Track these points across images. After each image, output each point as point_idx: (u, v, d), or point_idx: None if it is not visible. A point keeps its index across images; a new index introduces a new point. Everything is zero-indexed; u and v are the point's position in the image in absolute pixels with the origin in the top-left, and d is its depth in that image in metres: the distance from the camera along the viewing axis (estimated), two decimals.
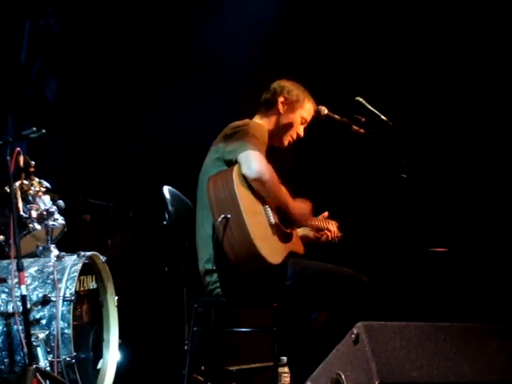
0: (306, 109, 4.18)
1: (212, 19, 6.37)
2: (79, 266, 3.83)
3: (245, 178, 3.73)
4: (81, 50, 6.37)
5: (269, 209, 3.81)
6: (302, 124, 4.21)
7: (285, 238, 3.89)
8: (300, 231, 4.19)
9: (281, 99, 4.16)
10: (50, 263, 3.84)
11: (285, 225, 3.91)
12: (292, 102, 4.16)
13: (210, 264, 3.85)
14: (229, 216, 3.63)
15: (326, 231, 4.29)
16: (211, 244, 3.84)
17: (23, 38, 6.19)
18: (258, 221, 3.72)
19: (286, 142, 4.20)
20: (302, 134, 4.22)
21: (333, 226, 4.37)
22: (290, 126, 4.17)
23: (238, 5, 6.34)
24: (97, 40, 6.37)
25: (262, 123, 4.12)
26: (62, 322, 3.66)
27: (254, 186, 3.75)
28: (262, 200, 3.81)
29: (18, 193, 3.82)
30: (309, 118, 4.22)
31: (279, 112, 4.16)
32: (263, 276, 3.73)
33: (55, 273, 3.76)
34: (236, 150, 3.79)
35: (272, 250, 3.70)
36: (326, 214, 4.31)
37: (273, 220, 3.80)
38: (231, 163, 3.80)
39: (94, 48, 6.37)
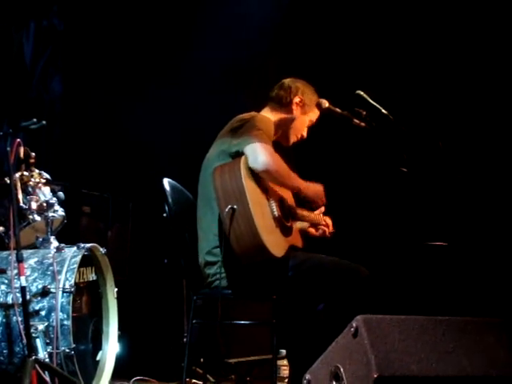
0: (315, 112, 4.20)
1: (213, 15, 6.37)
2: (79, 258, 3.83)
3: (251, 170, 3.74)
4: (84, 49, 6.39)
5: (272, 202, 3.84)
6: (307, 126, 4.24)
7: (286, 231, 3.91)
8: (297, 225, 4.19)
9: (296, 100, 4.17)
10: (50, 255, 3.85)
11: (286, 218, 3.92)
12: (305, 105, 4.18)
13: (211, 256, 3.86)
14: (235, 207, 3.64)
15: (322, 226, 4.30)
16: (213, 236, 3.85)
17: (28, 37, 6.21)
18: (262, 213, 3.74)
19: (290, 141, 4.23)
20: (305, 135, 4.25)
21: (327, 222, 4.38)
22: (299, 127, 4.20)
23: (238, 5, 6.34)
24: (100, 39, 6.38)
25: (269, 117, 4.12)
26: (61, 314, 3.66)
27: (263, 177, 3.78)
28: (267, 193, 3.83)
29: (18, 184, 3.82)
30: (315, 120, 4.25)
31: (292, 112, 4.18)
32: (265, 268, 3.74)
33: (55, 264, 3.77)
34: (242, 143, 3.81)
35: (275, 243, 3.72)
36: (322, 209, 4.31)
37: (276, 213, 3.82)
38: (237, 156, 3.81)
39: (97, 47, 6.39)
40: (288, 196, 4.08)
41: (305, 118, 4.21)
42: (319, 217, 4.34)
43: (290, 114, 4.18)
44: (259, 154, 3.74)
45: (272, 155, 3.78)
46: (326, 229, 4.30)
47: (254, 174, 3.76)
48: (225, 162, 3.84)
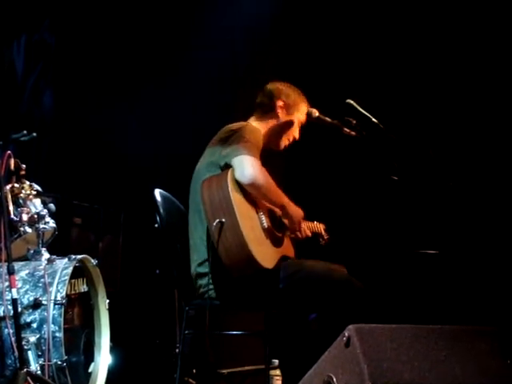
0: (302, 111, 4.18)
1: (205, 21, 6.38)
2: (70, 270, 3.82)
3: (238, 183, 3.73)
4: (75, 62, 6.41)
5: (262, 213, 3.82)
6: (297, 126, 4.21)
7: (277, 242, 3.89)
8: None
9: (279, 103, 4.15)
10: (41, 266, 3.83)
11: (277, 229, 3.91)
12: (290, 106, 4.16)
13: (202, 267, 3.85)
14: (223, 220, 3.63)
15: (297, 232, 4.20)
16: (204, 247, 3.84)
17: (19, 52, 6.22)
18: (251, 225, 3.73)
19: (282, 145, 4.20)
20: (297, 136, 4.22)
21: (320, 229, 4.37)
22: (287, 130, 4.17)
23: (232, 6, 6.35)
24: (91, 52, 6.40)
25: (257, 126, 4.11)
26: (53, 326, 3.65)
27: (249, 191, 3.75)
28: (255, 204, 3.82)
29: (9, 196, 3.81)
30: (304, 119, 4.23)
31: (277, 116, 4.15)
32: (256, 280, 3.73)
33: (46, 276, 3.75)
34: (230, 155, 3.79)
35: (265, 255, 3.71)
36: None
37: (266, 224, 3.81)
38: (226, 168, 3.80)
39: (87, 60, 6.40)
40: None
41: (292, 119, 4.17)
42: (313, 224, 4.33)
43: (275, 118, 4.15)
44: (246, 167, 3.71)
45: (259, 169, 3.75)
46: (299, 234, 4.23)
47: (242, 187, 3.74)
48: (213, 174, 3.83)
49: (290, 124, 4.17)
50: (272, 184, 3.82)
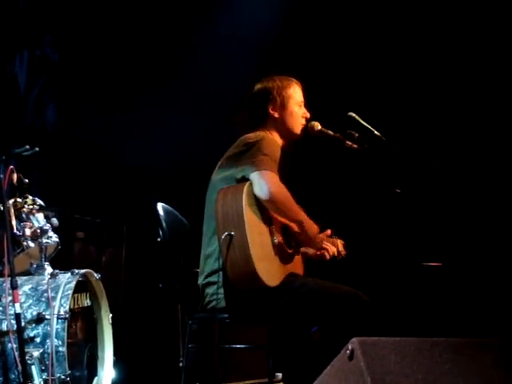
0: (294, 93, 4.15)
1: (206, 35, 6.40)
2: (73, 284, 3.81)
3: (254, 197, 3.71)
4: (78, 77, 6.44)
5: (274, 229, 3.80)
6: (300, 106, 4.17)
7: (286, 258, 3.86)
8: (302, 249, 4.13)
9: (270, 108, 4.11)
10: (44, 281, 3.83)
11: (288, 245, 3.89)
12: (280, 103, 4.12)
13: (213, 277, 3.83)
14: (233, 233, 3.62)
15: (324, 251, 4.11)
16: (214, 259, 3.82)
17: (22, 66, 6.25)
18: (261, 241, 3.71)
19: (298, 132, 4.13)
20: (307, 114, 4.16)
21: (338, 245, 4.34)
22: (292, 119, 4.12)
23: (232, 20, 6.37)
24: (93, 66, 6.43)
25: (274, 138, 4.08)
26: (56, 340, 3.64)
27: (267, 207, 3.73)
28: (269, 220, 3.79)
29: (12, 210, 3.81)
30: (301, 96, 4.18)
31: (276, 118, 4.11)
32: (261, 295, 3.71)
33: (49, 291, 3.75)
34: (247, 170, 3.77)
35: (271, 272, 3.68)
36: (328, 232, 4.13)
37: (276, 240, 3.78)
38: (242, 181, 3.79)
39: (90, 73, 6.43)
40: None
41: (289, 109, 4.12)
42: (332, 240, 4.30)
43: (275, 120, 4.12)
44: (265, 183, 3.69)
45: (278, 185, 3.74)
46: (326, 253, 4.16)
47: (258, 201, 3.72)
48: (230, 185, 3.81)
49: (289, 114, 4.12)
50: (290, 200, 3.80)
